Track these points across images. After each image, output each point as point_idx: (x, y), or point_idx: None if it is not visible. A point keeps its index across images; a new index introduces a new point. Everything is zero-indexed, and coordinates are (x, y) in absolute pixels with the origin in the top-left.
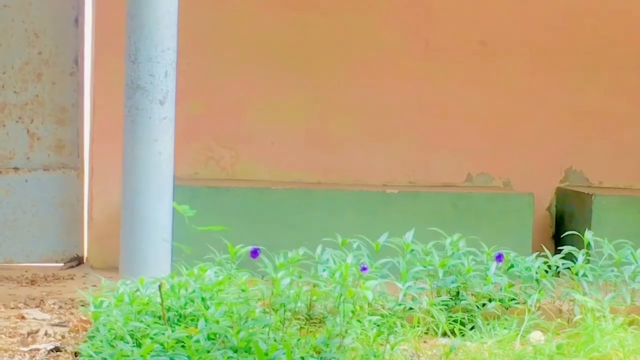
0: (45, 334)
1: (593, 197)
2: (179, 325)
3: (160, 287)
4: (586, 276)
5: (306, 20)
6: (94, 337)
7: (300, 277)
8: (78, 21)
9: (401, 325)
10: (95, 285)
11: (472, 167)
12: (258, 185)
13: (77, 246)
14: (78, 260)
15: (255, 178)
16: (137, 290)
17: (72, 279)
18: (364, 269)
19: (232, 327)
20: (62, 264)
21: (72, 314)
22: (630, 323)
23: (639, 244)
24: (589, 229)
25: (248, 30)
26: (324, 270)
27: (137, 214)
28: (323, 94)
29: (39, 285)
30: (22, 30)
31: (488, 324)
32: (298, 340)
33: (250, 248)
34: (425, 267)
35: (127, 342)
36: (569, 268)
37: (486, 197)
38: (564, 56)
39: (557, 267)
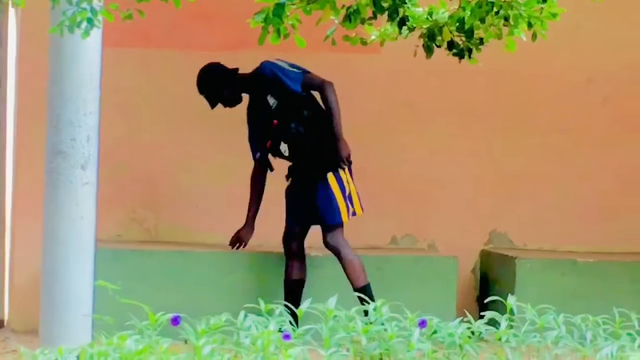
0: None
1: (516, 261)
2: None
3: (78, 357)
4: (509, 342)
5: None
6: None
7: (222, 344)
8: (0, 86)
9: None
10: (14, 351)
11: (397, 229)
12: (182, 247)
13: None
14: None
15: (178, 240)
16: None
17: None
18: (286, 336)
19: None
20: None
21: None
22: None
23: (563, 307)
24: (513, 291)
25: (173, 91)
26: (246, 337)
27: (57, 281)
28: (245, 155)
29: None
30: None
31: None
32: None
33: (170, 316)
34: (348, 333)
35: None
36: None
37: (411, 259)
38: (488, 120)
39: (481, 332)
